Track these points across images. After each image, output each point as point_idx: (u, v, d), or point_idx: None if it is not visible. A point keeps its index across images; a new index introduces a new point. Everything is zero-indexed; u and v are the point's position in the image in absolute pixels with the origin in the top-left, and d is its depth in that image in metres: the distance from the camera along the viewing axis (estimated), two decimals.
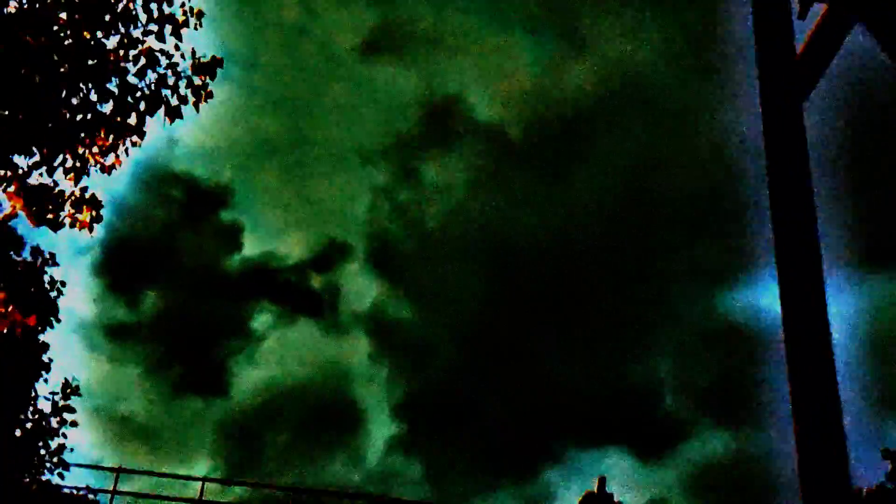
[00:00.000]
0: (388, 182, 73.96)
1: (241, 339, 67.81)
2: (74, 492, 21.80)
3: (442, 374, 66.93)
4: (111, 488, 24.74)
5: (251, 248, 78.21)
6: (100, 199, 11.06)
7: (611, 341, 66.71)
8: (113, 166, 10.80)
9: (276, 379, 68.06)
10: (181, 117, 10.58)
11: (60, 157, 10.49)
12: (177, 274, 66.39)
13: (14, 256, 16.63)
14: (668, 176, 69.14)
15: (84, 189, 10.92)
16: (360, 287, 72.43)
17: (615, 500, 28.18)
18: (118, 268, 63.32)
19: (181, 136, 69.29)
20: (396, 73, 73.47)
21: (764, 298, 69.48)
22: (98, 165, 10.71)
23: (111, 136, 10.57)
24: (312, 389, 67.81)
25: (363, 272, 74.50)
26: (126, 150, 11.16)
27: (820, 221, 3.03)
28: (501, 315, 66.37)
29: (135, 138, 11.11)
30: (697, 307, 68.43)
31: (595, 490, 27.69)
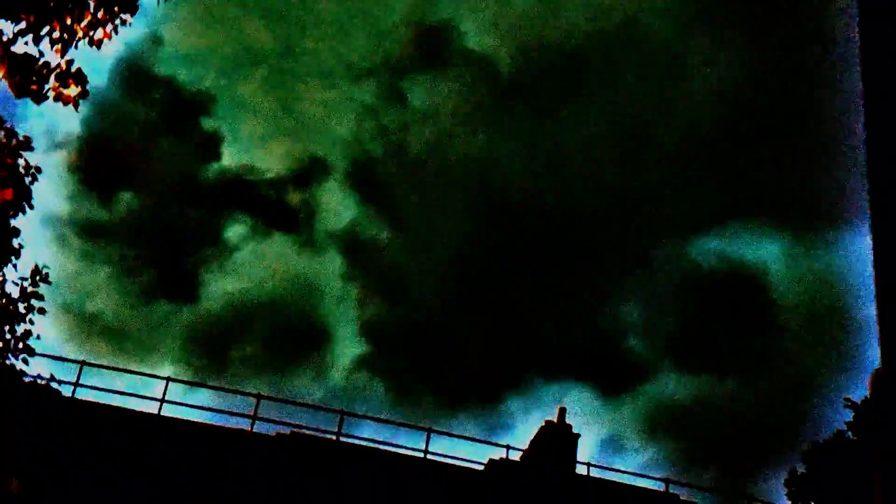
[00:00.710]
0: (373, 102, 73.12)
1: (213, 248, 67.45)
2: (38, 380, 21.66)
3: (414, 299, 67.05)
4: (74, 381, 24.65)
5: (230, 158, 77.36)
6: (85, 74, 10.70)
7: (584, 280, 67.00)
8: (102, 41, 10.43)
9: (246, 290, 67.92)
10: None
11: (47, 26, 10.11)
12: (153, 177, 65.61)
13: None
14: (654, 121, 68.84)
15: (70, 62, 10.55)
16: (338, 206, 72.04)
17: (573, 431, 28.56)
18: (94, 166, 62.45)
19: (166, 38, 67.81)
20: None
21: (733, 247, 69.91)
22: (87, 38, 10.33)
23: (101, 9, 10.19)
24: (282, 304, 67.76)
25: (342, 191, 74.04)
26: (116, 26, 10.78)
27: None
28: (479, 246, 66.38)
29: (126, 16, 10.73)
30: (670, 253, 68.74)
31: (555, 420, 28.00)
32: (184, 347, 61.98)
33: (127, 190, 69.48)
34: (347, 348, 69.42)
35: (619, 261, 68.34)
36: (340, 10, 72.89)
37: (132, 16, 10.49)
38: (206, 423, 24.92)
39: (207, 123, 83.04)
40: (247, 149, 73.26)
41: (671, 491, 26.71)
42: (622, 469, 28.71)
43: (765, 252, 69.95)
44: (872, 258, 2.63)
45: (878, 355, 2.48)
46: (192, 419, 25.18)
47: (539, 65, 69.07)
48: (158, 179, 65.40)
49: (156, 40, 66.22)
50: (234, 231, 74.45)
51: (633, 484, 26.98)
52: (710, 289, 67.18)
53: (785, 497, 27.08)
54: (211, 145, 70.78)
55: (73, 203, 63.08)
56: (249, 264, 69.28)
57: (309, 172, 73.16)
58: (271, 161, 73.73)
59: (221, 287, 67.60)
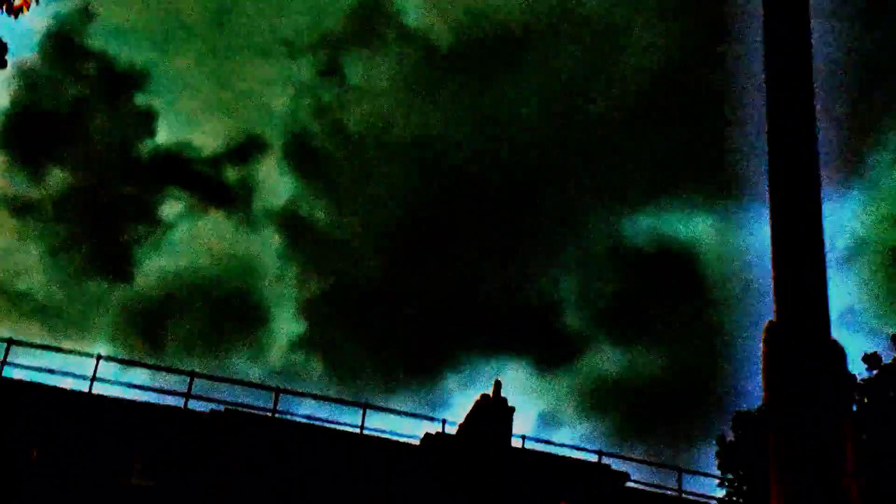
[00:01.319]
0: (311, 79, 72.43)
1: (148, 226, 66.42)
2: None
3: (352, 277, 66.86)
4: (1, 359, 24.18)
5: (165, 135, 76.18)
6: (5, 41, 10.43)
7: (519, 255, 67.45)
8: (20, 8, 10.16)
9: (183, 268, 67.10)
10: None
11: None
12: (85, 153, 64.29)
13: None
14: (590, 96, 69.31)
15: None
16: (275, 183, 71.38)
17: (508, 405, 28.84)
18: (24, 140, 61.02)
19: (98, 11, 66.32)
20: None
21: (665, 224, 70.91)
22: (4, 6, 10.07)
23: None
24: (219, 282, 67.10)
25: (279, 168, 73.36)
26: None
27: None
28: (416, 223, 66.36)
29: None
30: (603, 228, 69.50)
31: (490, 394, 28.23)
32: (119, 326, 61.08)
33: (58, 166, 68.07)
34: (286, 327, 69.10)
35: (554, 236, 68.93)
36: None
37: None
38: (138, 401, 24.65)
39: (141, 99, 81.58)
40: (182, 125, 72.15)
41: (604, 462, 27.13)
42: (557, 442, 29.04)
43: (695, 228, 71.06)
44: (770, 224, 2.71)
45: (773, 308, 2.55)
46: (124, 397, 24.89)
47: (476, 40, 69.04)
48: (91, 155, 64.13)
49: (87, 14, 64.74)
50: (170, 208, 73.39)
51: (567, 456, 27.35)
52: (642, 263, 68.15)
53: (714, 464, 27.69)
54: (145, 121, 69.67)
55: (2, 179, 61.61)
56: (186, 242, 68.44)
57: (246, 149, 72.37)
58: (208, 137, 72.75)
59: (157, 265, 66.72)
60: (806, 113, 2.66)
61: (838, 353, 2.41)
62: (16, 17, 10.33)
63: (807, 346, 2.37)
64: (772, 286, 2.47)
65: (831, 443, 2.21)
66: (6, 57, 10.38)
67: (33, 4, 10.60)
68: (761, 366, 2.37)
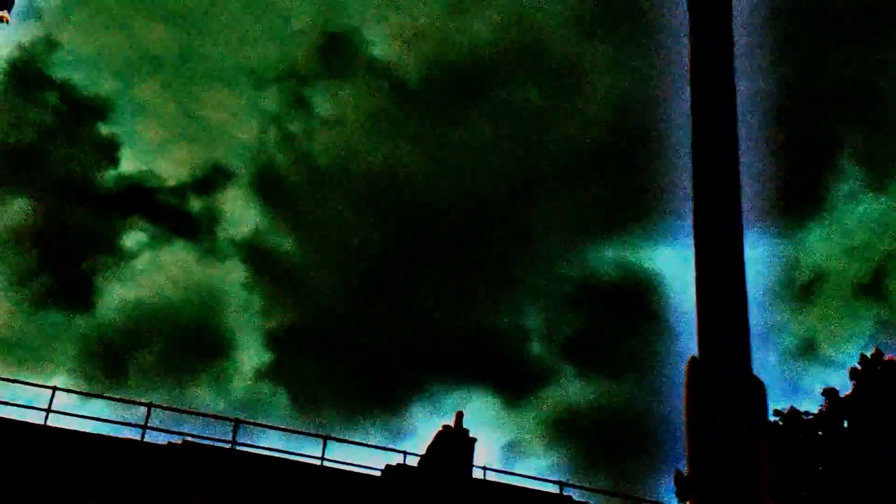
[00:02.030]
0: (277, 109, 72.43)
1: (110, 256, 65.85)
2: None
3: (317, 308, 66.62)
4: None
5: (128, 164, 75.69)
6: None
7: (485, 287, 67.57)
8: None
9: (145, 299, 66.49)
10: None
11: None
12: (46, 183, 63.77)
13: None
14: (554, 129, 69.90)
15: None
16: (241, 214, 71.17)
17: (469, 435, 28.78)
18: None
19: (61, 41, 66.07)
20: None
21: (631, 255, 71.41)
22: None
23: None
24: (182, 313, 66.54)
25: (245, 199, 73.10)
26: None
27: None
28: (383, 255, 66.36)
29: (3, 13, 10.44)
30: (568, 259, 69.87)
31: (452, 425, 28.17)
32: (79, 358, 60.34)
33: (19, 195, 67.36)
34: (250, 358, 68.61)
35: (519, 267, 69.17)
36: (243, 15, 72.07)
37: (9, 12, 10.20)
38: (95, 434, 24.30)
39: (104, 128, 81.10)
40: (146, 154, 71.81)
41: (565, 493, 27.11)
42: (519, 472, 29.01)
43: (660, 259, 71.66)
44: (694, 261, 2.77)
45: (696, 344, 2.60)
46: (81, 429, 24.54)
47: (443, 73, 69.51)
48: (53, 184, 63.57)
49: (51, 43, 64.49)
50: (133, 238, 72.87)
51: (528, 487, 27.30)
52: (607, 294, 68.53)
53: (674, 495, 27.77)
54: (108, 150, 69.20)
55: None
56: (148, 272, 67.88)
57: (211, 179, 72.13)
58: (172, 167, 72.44)
59: (118, 295, 66.10)
60: (728, 151, 2.73)
61: (758, 387, 2.46)
62: None
63: (727, 381, 2.42)
64: (695, 323, 2.52)
65: (750, 477, 2.26)
66: None
67: (10, 20, 10.57)
68: (683, 401, 2.42)
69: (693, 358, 2.57)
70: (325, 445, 26.13)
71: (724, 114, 2.91)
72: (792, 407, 26.50)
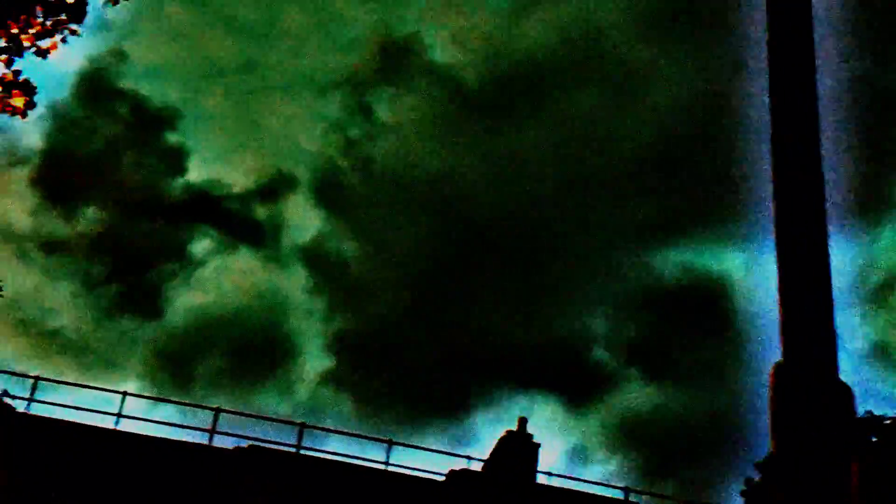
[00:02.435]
0: (339, 116, 73.03)
1: (178, 263, 66.92)
2: None
3: (379, 312, 66.92)
4: (28, 396, 24.36)
5: (195, 173, 76.83)
6: (33, 84, 10.63)
7: (550, 291, 67.30)
8: (48, 50, 10.36)
9: (211, 305, 67.44)
10: None
11: None
12: (117, 192, 65.05)
13: None
14: (618, 131, 69.41)
15: (17, 73, 10.48)
16: (304, 220, 71.87)
17: (533, 440, 28.65)
18: (57, 181, 61.84)
19: (130, 52, 67.46)
20: (354, 6, 72.30)
21: (696, 258, 70.58)
22: (33, 48, 10.27)
23: (49, 19, 10.13)
24: (247, 319, 67.37)
25: (308, 205, 73.85)
26: (64, 37, 10.72)
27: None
28: (444, 257, 66.45)
29: (74, 26, 10.67)
30: (632, 263, 69.29)
31: (516, 430, 28.08)
32: (148, 363, 61.38)
33: (90, 205, 68.86)
34: (313, 363, 69.19)
35: (583, 271, 68.76)
36: (305, 23, 72.82)
37: (79, 25, 10.44)
38: (163, 438, 24.69)
39: (173, 137, 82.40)
40: (212, 163, 72.89)
41: (631, 499, 26.85)
42: (583, 478, 28.83)
43: (726, 262, 70.65)
44: (777, 264, 2.71)
45: (780, 349, 2.54)
46: (149, 434, 24.96)
47: (503, 77, 69.42)
48: (123, 194, 64.85)
49: (120, 55, 65.85)
50: (200, 246, 73.92)
51: (593, 493, 27.09)
52: (673, 298, 67.78)
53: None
54: (176, 159, 70.38)
55: (35, 218, 62.44)
56: (215, 279, 68.86)
57: (275, 186, 72.91)
58: (237, 175, 73.39)
59: (186, 302, 67.11)
60: (811, 152, 2.67)
61: (846, 393, 2.40)
62: (44, 57, 10.53)
63: (814, 387, 2.37)
64: (779, 328, 2.47)
65: (837, 484, 2.21)
66: (34, 98, 10.58)
67: (60, 45, 10.82)
68: (769, 407, 2.37)
69: (778, 363, 2.52)
70: (389, 450, 26.24)
71: (805, 113, 2.85)
72: (869, 412, 25.92)
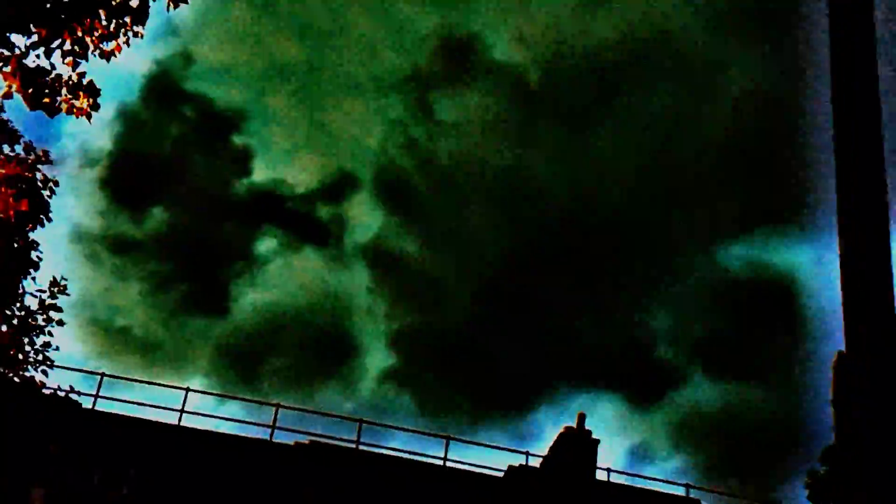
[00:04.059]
0: (401, 116, 73.34)
1: (244, 262, 67.83)
2: (58, 392, 21.90)
3: (442, 311, 67.14)
4: (95, 392, 24.86)
5: (260, 173, 77.77)
6: (98, 87, 10.86)
7: (614, 289, 66.89)
8: (113, 53, 10.58)
9: (276, 304, 68.22)
10: (186, 1, 10.35)
11: (58, 39, 10.28)
12: (184, 193, 66.12)
13: (7, 151, 16.43)
14: (682, 128, 68.70)
15: (82, 75, 10.72)
16: (367, 219, 72.33)
17: (592, 437, 28.52)
18: (125, 182, 63.04)
19: (196, 55, 68.46)
20: (416, 5, 72.48)
21: (763, 254, 69.59)
22: (97, 51, 10.49)
23: (112, 21, 10.34)
24: (312, 317, 68.02)
25: (371, 205, 74.29)
26: (127, 39, 10.93)
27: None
28: (506, 258, 66.43)
29: (137, 28, 10.88)
30: (699, 259, 68.55)
31: (574, 426, 27.98)
32: (214, 361, 62.30)
33: (158, 205, 70.04)
34: (376, 360, 69.63)
35: (648, 269, 68.21)
36: (368, 24, 73.22)
37: (143, 27, 10.64)
38: (224, 433, 25.06)
39: (238, 138, 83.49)
40: (277, 163, 73.66)
41: (692, 496, 26.61)
42: (643, 475, 28.62)
43: (792, 258, 69.53)
44: (839, 255, 2.69)
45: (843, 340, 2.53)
46: (211, 429, 25.34)
47: (566, 76, 69.11)
48: (190, 195, 65.87)
49: (187, 57, 66.91)
50: (265, 245, 74.80)
51: (653, 489, 26.91)
52: (738, 295, 66.91)
53: (806, 498, 26.90)
54: (242, 160, 71.29)
55: (104, 219, 63.74)
56: (280, 278, 69.65)
57: (338, 186, 73.45)
58: (301, 175, 74.06)
59: (252, 301, 67.98)
60: (873, 151, 2.66)
61: None
62: (108, 60, 10.76)
63: (875, 375, 2.35)
64: (842, 317, 2.46)
65: None
66: (98, 100, 10.81)
67: (124, 48, 11.03)
68: (830, 394, 2.36)
69: (840, 352, 2.50)
70: (447, 446, 26.31)
71: (866, 108, 2.83)
72: None
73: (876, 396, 2.42)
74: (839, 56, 3.04)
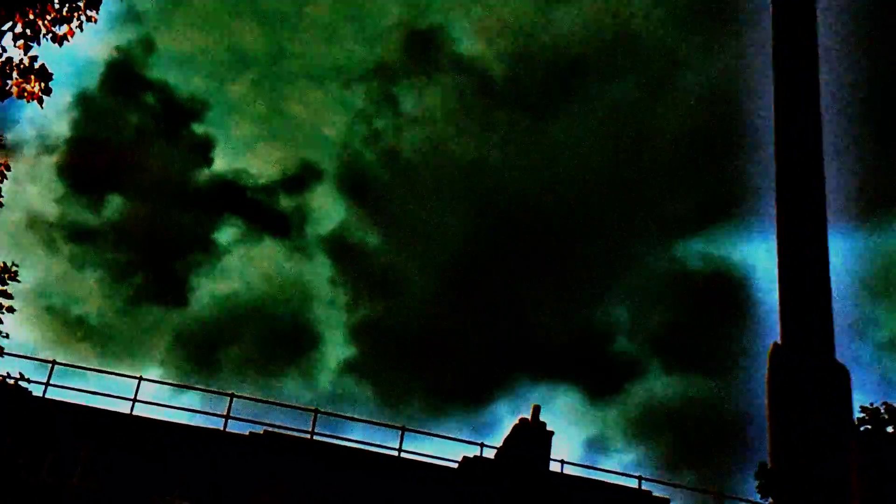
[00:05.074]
0: (364, 107, 73.07)
1: (204, 252, 67.25)
2: (7, 379, 21.60)
3: (402, 303, 67.11)
4: (45, 380, 24.57)
5: (221, 163, 77.11)
6: (50, 71, 10.70)
7: (573, 282, 67.27)
8: (65, 37, 10.44)
9: (236, 294, 67.78)
10: None
11: (10, 22, 10.12)
12: (144, 182, 65.39)
13: None
14: (641, 124, 69.17)
15: (34, 59, 10.57)
16: (329, 210, 72.10)
17: (547, 428, 28.68)
18: (84, 169, 62.17)
19: (159, 42, 67.70)
20: None
21: (719, 249, 70.36)
22: (49, 34, 10.35)
23: (66, 5, 10.21)
24: (272, 308, 67.66)
25: (333, 196, 74.00)
26: (81, 23, 10.79)
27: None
28: (468, 250, 66.52)
29: (91, 12, 10.74)
30: (656, 253, 69.15)
31: (529, 418, 28.12)
32: (172, 351, 61.77)
33: (117, 193, 69.21)
34: (336, 351, 69.47)
35: (607, 262, 68.66)
36: (331, 14, 72.84)
37: (96, 12, 10.51)
38: (177, 423, 24.87)
39: (199, 127, 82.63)
40: (238, 153, 73.16)
41: (643, 488, 26.87)
42: (598, 467, 28.86)
43: (749, 252, 70.29)
44: (776, 249, 2.74)
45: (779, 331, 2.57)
46: (164, 419, 25.14)
47: (529, 69, 69.29)
48: (149, 183, 65.16)
49: (148, 45, 66.12)
50: (225, 235, 74.25)
51: (606, 480, 27.13)
52: (695, 289, 67.60)
53: (755, 489, 27.30)
54: (203, 149, 70.61)
55: (62, 206, 62.87)
56: (239, 268, 69.21)
57: (300, 176, 73.08)
58: (263, 165, 73.61)
59: (211, 291, 67.47)
60: (812, 140, 2.70)
61: (842, 373, 2.42)
62: (60, 44, 10.61)
63: (809, 367, 2.39)
64: (778, 309, 2.49)
65: (834, 464, 2.23)
66: (50, 84, 10.65)
67: (82, 34, 10.89)
68: (765, 387, 2.39)
69: (776, 343, 2.55)
70: (402, 437, 26.34)
71: (807, 108, 2.88)
72: (886, 402, 25.79)
73: (807, 389, 2.47)
74: (781, 58, 3.10)
